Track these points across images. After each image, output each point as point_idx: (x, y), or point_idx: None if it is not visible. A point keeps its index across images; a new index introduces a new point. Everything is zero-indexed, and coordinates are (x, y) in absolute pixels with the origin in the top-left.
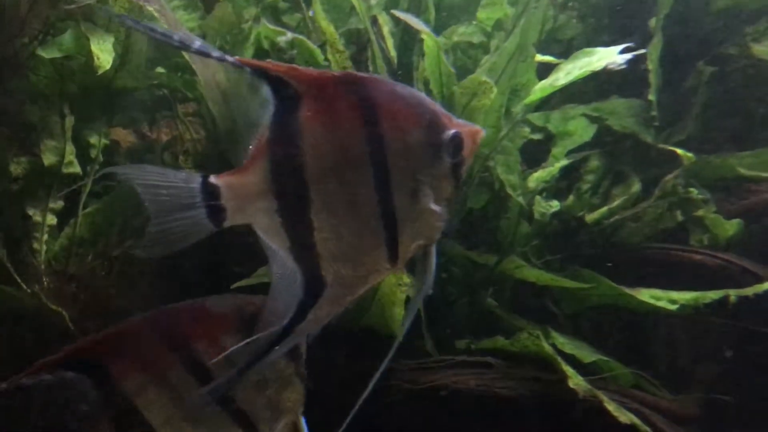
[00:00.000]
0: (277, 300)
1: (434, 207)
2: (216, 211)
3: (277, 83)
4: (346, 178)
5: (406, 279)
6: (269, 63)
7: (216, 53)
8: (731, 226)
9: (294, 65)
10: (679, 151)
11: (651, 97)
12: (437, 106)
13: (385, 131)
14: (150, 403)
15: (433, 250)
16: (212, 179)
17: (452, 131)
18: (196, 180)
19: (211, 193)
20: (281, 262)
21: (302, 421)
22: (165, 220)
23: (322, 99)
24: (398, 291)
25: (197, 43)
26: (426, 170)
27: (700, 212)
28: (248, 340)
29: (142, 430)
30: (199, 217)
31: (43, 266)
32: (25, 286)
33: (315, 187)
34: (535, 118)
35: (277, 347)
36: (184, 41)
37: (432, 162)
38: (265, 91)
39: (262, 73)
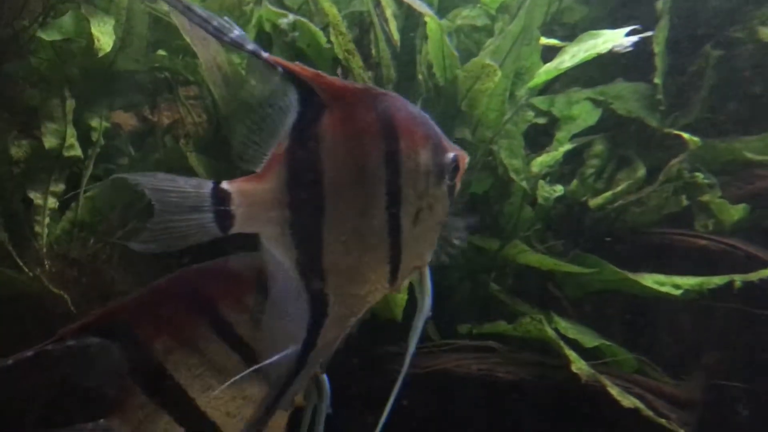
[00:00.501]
0: (278, 318)
1: (432, 229)
2: (224, 217)
3: (305, 90)
4: (362, 193)
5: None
6: (298, 66)
7: (251, 46)
8: (737, 211)
9: (320, 72)
10: (685, 135)
11: (657, 80)
12: (438, 128)
13: (402, 149)
14: (179, 365)
15: (428, 272)
16: (224, 185)
17: (453, 154)
18: (207, 185)
19: (221, 198)
20: (284, 276)
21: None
22: (169, 219)
23: (345, 111)
24: None
25: (236, 32)
26: (431, 191)
27: (705, 197)
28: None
29: (172, 391)
30: (205, 220)
31: (44, 249)
32: (26, 270)
33: (330, 201)
34: (540, 102)
35: (296, 379)
36: (221, 29)
37: (436, 183)
38: (292, 96)
39: (292, 77)
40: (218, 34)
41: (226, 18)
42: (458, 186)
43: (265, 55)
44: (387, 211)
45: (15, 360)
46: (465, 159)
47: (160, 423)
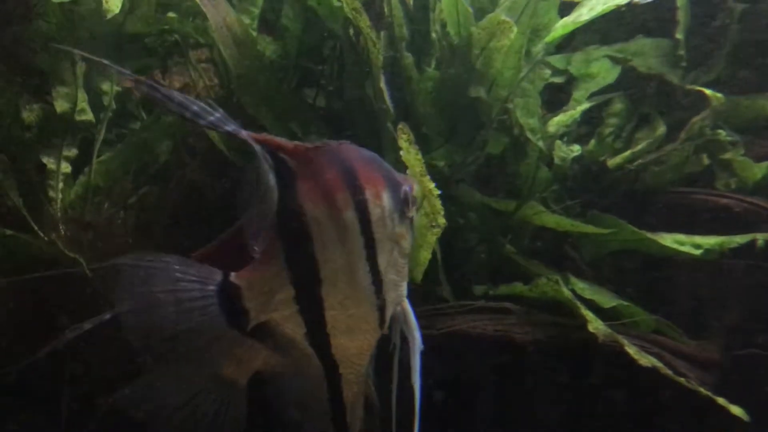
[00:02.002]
0: (293, 391)
1: (403, 264)
2: (238, 315)
3: (279, 162)
4: (345, 251)
5: (441, 221)
6: (266, 136)
7: (230, 127)
8: (760, 170)
9: (280, 140)
10: (707, 91)
11: (679, 35)
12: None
13: (368, 199)
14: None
15: (407, 305)
16: (233, 279)
17: (406, 186)
18: (213, 281)
19: (231, 295)
20: (298, 348)
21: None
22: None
23: (314, 175)
24: (429, 234)
25: (217, 114)
26: (397, 229)
27: (727, 155)
28: None
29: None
30: (219, 322)
31: (59, 214)
32: (42, 234)
33: (323, 266)
34: (557, 60)
35: None
36: (199, 113)
37: (400, 220)
38: (270, 174)
39: (269, 151)
40: (196, 118)
41: (208, 101)
42: (416, 216)
43: (244, 133)
44: (368, 262)
45: None
46: (415, 187)
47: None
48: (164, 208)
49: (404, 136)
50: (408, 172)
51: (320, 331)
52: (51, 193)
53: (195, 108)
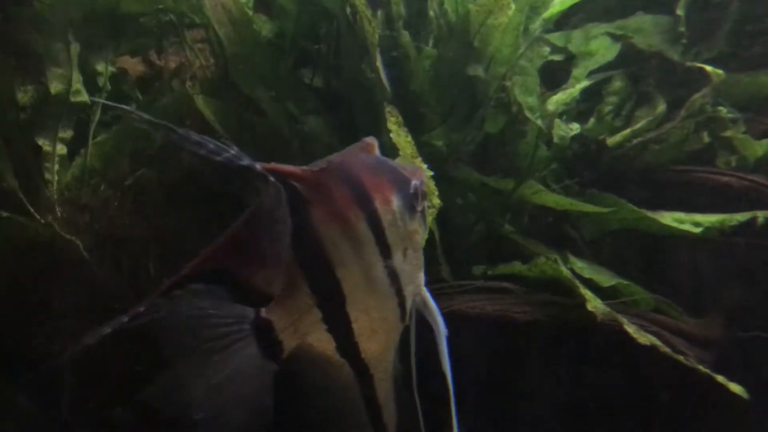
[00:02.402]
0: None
1: (418, 256)
2: (272, 346)
3: (289, 189)
4: (363, 262)
5: (436, 201)
6: (275, 165)
7: (246, 161)
8: (761, 147)
9: (291, 167)
10: (708, 68)
11: (679, 11)
12: (391, 161)
13: (378, 208)
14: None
15: (426, 293)
16: (263, 314)
17: (415, 182)
18: (246, 318)
19: (264, 330)
20: (328, 360)
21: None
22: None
23: (323, 197)
24: None
25: (231, 151)
26: (408, 227)
27: (728, 133)
28: None
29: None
30: (254, 358)
31: (55, 196)
32: (38, 216)
33: (344, 283)
34: (556, 38)
35: None
36: (215, 150)
37: (411, 217)
38: (284, 201)
39: (280, 180)
40: (212, 155)
41: (223, 140)
42: (426, 206)
43: (258, 166)
44: (384, 266)
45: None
46: (422, 173)
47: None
48: (161, 189)
49: (393, 119)
50: (399, 154)
51: (349, 342)
52: (47, 175)
53: (211, 146)
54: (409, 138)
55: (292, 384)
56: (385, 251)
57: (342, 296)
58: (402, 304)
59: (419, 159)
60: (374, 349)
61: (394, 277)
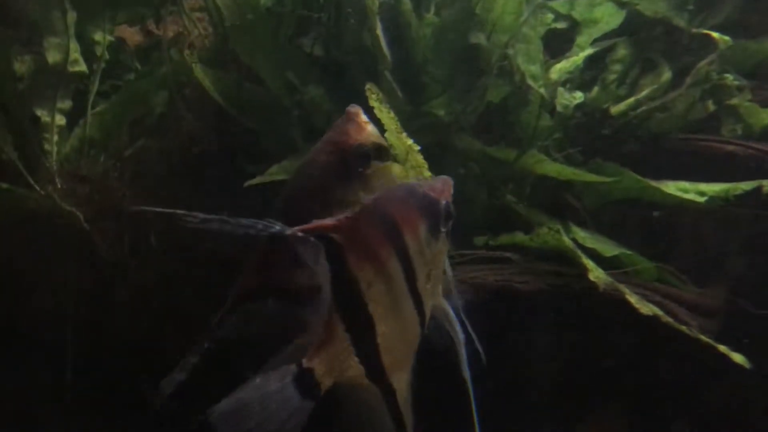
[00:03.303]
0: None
1: (440, 273)
2: (310, 388)
3: (326, 242)
4: (393, 294)
5: (427, 174)
6: (317, 224)
7: (289, 231)
8: (767, 115)
9: (333, 221)
10: (714, 34)
11: None
12: (420, 182)
13: (408, 242)
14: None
15: (444, 302)
16: (305, 364)
17: (443, 203)
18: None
19: (305, 379)
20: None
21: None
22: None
23: (358, 241)
24: None
25: (264, 223)
26: (432, 250)
27: (734, 101)
28: None
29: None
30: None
31: (55, 167)
32: (38, 188)
33: (376, 317)
34: (559, 5)
35: None
36: (249, 225)
37: (435, 241)
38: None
39: (319, 237)
40: (247, 230)
41: (268, 219)
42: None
43: (293, 231)
44: (410, 292)
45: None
46: (449, 188)
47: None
48: (160, 160)
49: (373, 96)
50: (384, 131)
51: (378, 366)
52: (46, 146)
53: (244, 222)
54: (392, 114)
55: (325, 412)
56: (411, 278)
57: (374, 330)
58: (423, 321)
59: (404, 134)
60: (397, 365)
61: (417, 299)
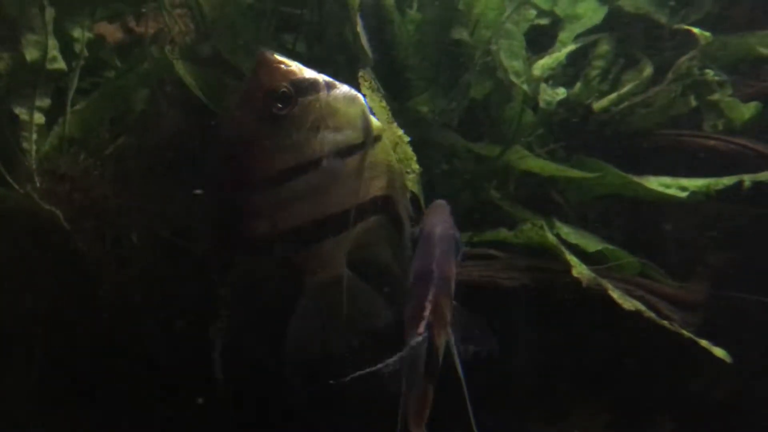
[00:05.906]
0: None
1: None
2: None
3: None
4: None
5: (415, 166)
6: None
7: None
8: (748, 110)
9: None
10: (695, 30)
11: None
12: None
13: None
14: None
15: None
16: None
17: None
18: None
19: None
20: None
21: None
22: None
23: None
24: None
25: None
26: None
27: (715, 96)
28: None
29: None
30: None
31: (34, 166)
32: (17, 187)
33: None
34: (542, 2)
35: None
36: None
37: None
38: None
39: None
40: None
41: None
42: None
43: (420, 335)
44: None
45: None
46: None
47: None
48: (142, 158)
49: (366, 83)
50: (376, 119)
51: None
52: (25, 145)
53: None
54: (384, 103)
55: None
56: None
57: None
58: None
59: (395, 124)
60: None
61: None
